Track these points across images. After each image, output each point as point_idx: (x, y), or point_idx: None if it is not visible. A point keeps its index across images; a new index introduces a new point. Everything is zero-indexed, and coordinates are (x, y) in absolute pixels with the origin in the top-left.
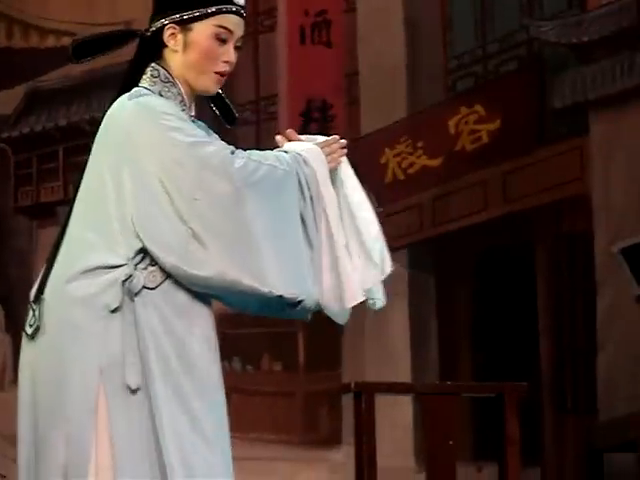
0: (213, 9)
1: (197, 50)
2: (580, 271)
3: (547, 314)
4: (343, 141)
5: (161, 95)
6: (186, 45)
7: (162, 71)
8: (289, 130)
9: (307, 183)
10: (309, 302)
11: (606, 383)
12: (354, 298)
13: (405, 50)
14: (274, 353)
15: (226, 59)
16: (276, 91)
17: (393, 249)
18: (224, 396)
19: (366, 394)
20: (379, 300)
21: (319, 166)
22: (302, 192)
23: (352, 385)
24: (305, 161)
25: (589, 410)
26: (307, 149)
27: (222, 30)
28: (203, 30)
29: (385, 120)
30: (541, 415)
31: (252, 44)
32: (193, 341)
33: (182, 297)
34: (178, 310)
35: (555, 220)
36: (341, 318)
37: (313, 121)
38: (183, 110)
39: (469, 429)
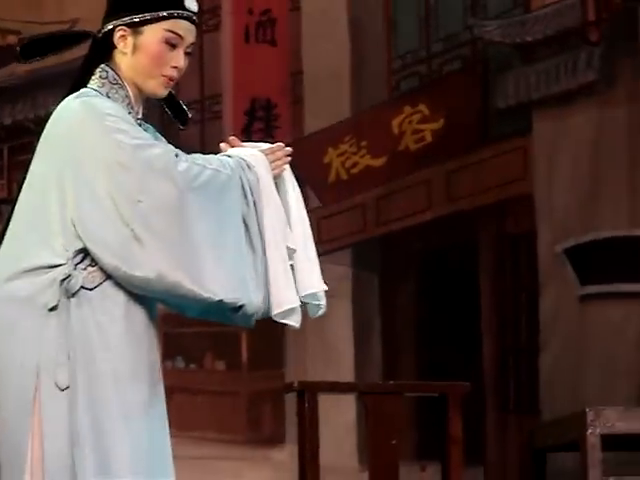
0: (164, 13)
1: (146, 53)
2: (523, 271)
3: (490, 313)
4: (288, 149)
5: (108, 97)
6: (135, 48)
7: (111, 72)
8: (232, 137)
9: (250, 188)
10: (250, 307)
11: (548, 383)
12: (279, 305)
13: (349, 50)
14: (217, 352)
15: (175, 64)
16: (221, 90)
17: (337, 249)
18: (157, 398)
19: (309, 393)
20: (321, 307)
21: (263, 172)
22: (245, 197)
23: (295, 384)
24: (249, 166)
25: (532, 410)
26: (251, 154)
27: (172, 35)
28: (153, 34)
29: (329, 120)
30: (484, 414)
31: (197, 43)
32: (123, 344)
33: (120, 299)
34: (114, 312)
35: (499, 220)
36: (293, 320)
37: (257, 120)
38: (130, 113)
39: (412, 428)
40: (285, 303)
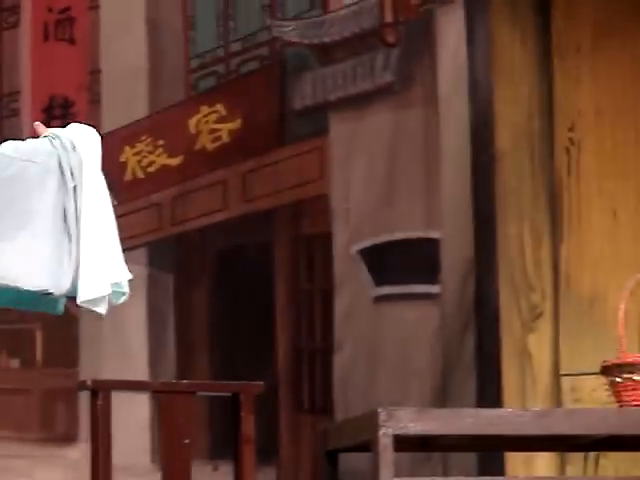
0: None
1: None
2: (319, 271)
3: (285, 314)
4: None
5: None
6: None
7: None
8: (36, 123)
9: (72, 172)
10: (59, 293)
11: (343, 383)
12: (89, 293)
13: (147, 48)
14: (12, 350)
15: None
16: (19, 88)
17: (132, 248)
18: None
19: (103, 391)
20: (124, 294)
21: (89, 152)
22: (65, 183)
23: (88, 382)
24: (74, 147)
25: (326, 410)
26: (81, 132)
27: None
28: None
29: (126, 118)
30: (278, 414)
31: None
32: None
33: None
34: None
35: (295, 220)
36: (101, 308)
37: (55, 118)
38: None
39: (206, 428)
40: (95, 291)
